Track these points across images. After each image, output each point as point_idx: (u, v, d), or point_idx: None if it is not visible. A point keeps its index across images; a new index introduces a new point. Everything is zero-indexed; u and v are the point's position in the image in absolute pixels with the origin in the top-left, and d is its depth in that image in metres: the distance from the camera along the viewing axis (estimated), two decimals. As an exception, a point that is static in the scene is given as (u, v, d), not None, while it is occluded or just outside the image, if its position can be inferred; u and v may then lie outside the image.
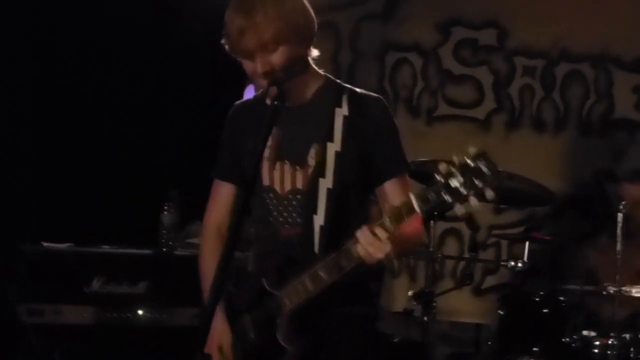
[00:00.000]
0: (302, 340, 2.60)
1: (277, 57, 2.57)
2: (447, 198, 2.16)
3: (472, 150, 2.16)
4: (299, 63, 2.61)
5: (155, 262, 3.95)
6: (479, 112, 5.30)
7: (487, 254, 5.20)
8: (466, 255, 5.15)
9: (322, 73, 2.79)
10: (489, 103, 5.30)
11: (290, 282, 2.56)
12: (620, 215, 3.74)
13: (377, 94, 3.92)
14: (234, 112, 2.91)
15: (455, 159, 2.15)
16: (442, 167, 2.21)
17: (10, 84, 4.57)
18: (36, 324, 3.76)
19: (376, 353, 2.92)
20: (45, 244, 4.02)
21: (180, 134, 4.84)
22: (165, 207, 3.95)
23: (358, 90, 2.77)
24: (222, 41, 2.66)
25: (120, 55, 4.85)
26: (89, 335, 3.80)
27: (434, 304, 4.07)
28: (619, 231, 3.75)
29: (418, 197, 2.23)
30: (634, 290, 3.68)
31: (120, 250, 4.04)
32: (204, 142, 4.09)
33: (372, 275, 2.85)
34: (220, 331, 2.70)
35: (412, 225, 2.54)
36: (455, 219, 4.84)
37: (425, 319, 4.02)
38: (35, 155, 4.70)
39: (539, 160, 4.83)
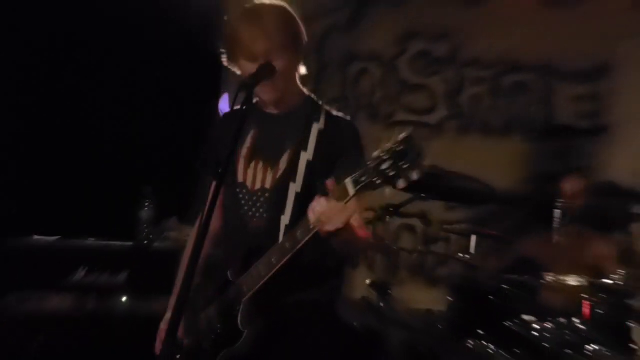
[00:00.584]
0: (258, 323, 2.60)
1: (278, 63, 2.60)
2: (377, 180, 2.20)
3: (400, 135, 2.18)
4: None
5: (135, 255, 3.95)
6: (432, 118, 5.36)
7: (439, 248, 5.29)
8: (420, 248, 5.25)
9: (306, 92, 2.81)
10: (442, 110, 5.35)
11: (249, 270, 2.59)
12: (557, 212, 3.86)
13: (339, 101, 3.94)
14: (222, 121, 2.96)
15: (387, 144, 2.18)
16: (375, 153, 2.23)
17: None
18: (23, 311, 3.74)
19: (332, 340, 2.89)
20: (35, 236, 4.03)
21: (156, 138, 4.75)
22: (146, 204, 3.96)
23: (334, 112, 2.77)
24: (222, 49, 2.72)
25: (102, 61, 4.79)
26: (72, 322, 3.77)
27: (390, 292, 4.07)
28: (556, 225, 3.84)
29: (351, 181, 2.27)
30: (569, 279, 3.74)
31: (103, 243, 4.02)
32: (177, 146, 4.00)
33: (333, 272, 2.84)
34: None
35: (362, 233, 2.58)
36: (410, 215, 4.90)
37: (382, 305, 4.04)
38: (27, 157, 4.65)
39: (486, 162, 4.82)
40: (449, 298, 4.07)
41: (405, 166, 2.19)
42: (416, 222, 5.19)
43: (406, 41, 5.38)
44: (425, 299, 4.92)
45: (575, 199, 4.35)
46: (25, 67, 4.70)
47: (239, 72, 2.74)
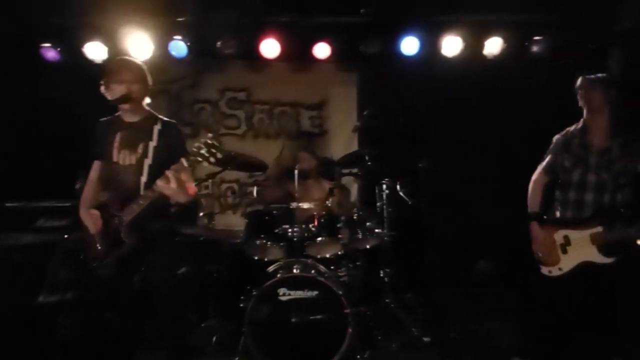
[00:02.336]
0: (134, 237, 2.71)
1: (134, 93, 2.76)
2: (199, 159, 2.47)
3: (209, 136, 2.49)
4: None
5: (73, 208, 3.61)
6: (239, 131, 5.43)
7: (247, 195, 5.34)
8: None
9: (148, 109, 2.89)
10: (243, 127, 5.44)
11: (128, 207, 2.68)
12: (296, 172, 4.01)
13: (189, 125, 3.89)
14: (97, 125, 2.92)
15: (202, 140, 2.47)
16: (196, 144, 2.51)
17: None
18: (6, 244, 3.62)
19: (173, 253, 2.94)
20: (7, 204, 3.82)
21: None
22: (79, 181, 3.78)
23: (166, 119, 2.88)
24: (103, 82, 2.75)
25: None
26: (36, 247, 3.65)
27: (215, 219, 4.17)
28: (296, 182, 4.00)
29: (185, 159, 2.54)
30: (304, 206, 3.93)
31: (55, 204, 3.85)
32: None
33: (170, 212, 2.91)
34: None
35: (188, 185, 2.74)
36: (231, 181, 5.09)
37: (211, 225, 4.13)
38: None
39: (268, 153, 4.85)
40: (246, 220, 4.01)
41: (214, 152, 2.48)
42: (234, 185, 5.30)
43: (223, 92, 5.43)
44: (239, 223, 4.85)
45: (308, 168, 4.43)
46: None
47: (108, 95, 2.76)
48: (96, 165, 2.90)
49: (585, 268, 2.94)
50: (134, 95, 2.77)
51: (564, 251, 3.00)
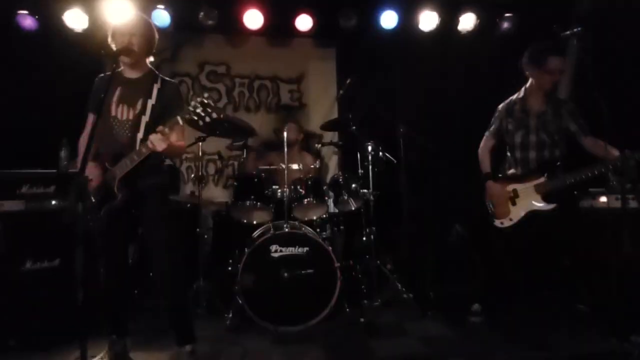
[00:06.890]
0: (126, 191, 2.73)
1: (137, 46, 2.76)
2: (195, 117, 2.50)
3: (205, 95, 2.51)
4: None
5: (58, 176, 3.65)
6: (219, 104, 5.40)
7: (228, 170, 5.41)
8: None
9: (150, 67, 2.91)
10: (224, 100, 5.44)
11: (120, 162, 2.69)
12: (284, 136, 3.95)
13: None
14: (98, 80, 2.91)
15: (198, 99, 2.48)
16: (192, 103, 2.52)
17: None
18: None
19: (166, 206, 2.92)
20: None
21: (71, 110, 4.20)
22: (63, 148, 3.66)
23: (167, 78, 2.89)
24: (110, 33, 2.77)
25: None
26: (20, 216, 3.47)
27: (204, 182, 4.26)
28: (285, 151, 3.95)
29: (180, 117, 2.56)
30: (294, 166, 3.93)
31: (39, 170, 3.69)
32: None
33: (163, 168, 2.92)
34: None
35: (180, 142, 2.77)
36: (212, 154, 5.00)
37: (200, 189, 4.09)
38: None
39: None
40: (235, 183, 3.99)
41: (209, 111, 2.50)
42: (215, 157, 5.11)
43: (203, 65, 5.41)
44: (218, 195, 5.05)
45: (294, 138, 4.63)
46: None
47: (113, 45, 2.77)
48: (92, 118, 2.88)
49: (531, 218, 3.26)
50: (136, 48, 2.77)
51: (513, 203, 3.32)
